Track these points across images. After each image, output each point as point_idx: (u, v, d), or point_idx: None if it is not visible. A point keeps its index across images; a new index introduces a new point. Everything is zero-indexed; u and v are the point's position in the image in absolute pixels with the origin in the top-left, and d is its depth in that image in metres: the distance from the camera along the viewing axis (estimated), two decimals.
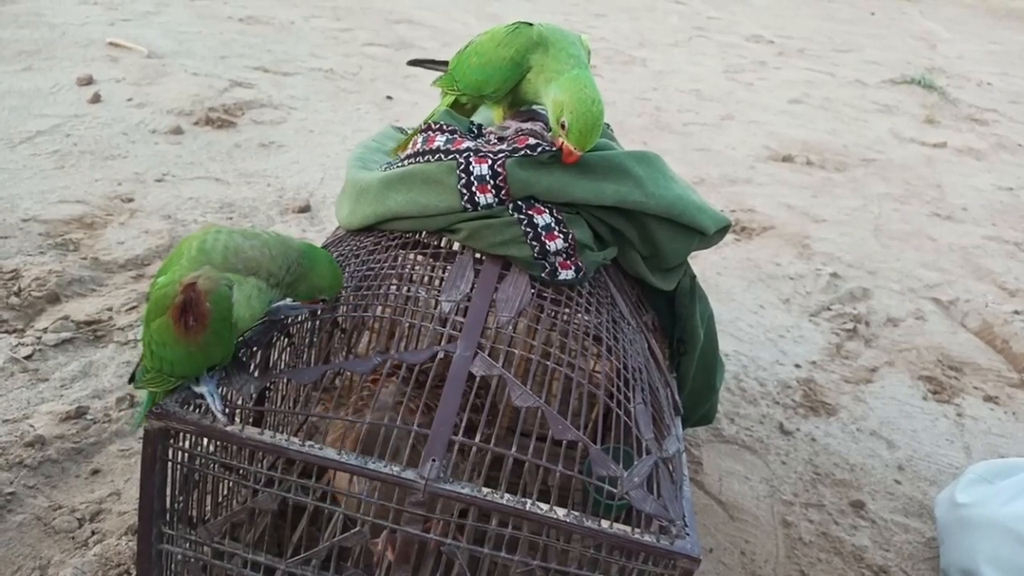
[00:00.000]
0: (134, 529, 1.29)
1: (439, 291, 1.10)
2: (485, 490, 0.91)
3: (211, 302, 0.89)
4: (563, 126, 1.06)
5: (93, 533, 1.30)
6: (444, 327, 1.03)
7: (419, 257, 1.19)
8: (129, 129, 2.87)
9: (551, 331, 1.09)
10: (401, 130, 1.58)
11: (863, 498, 1.70)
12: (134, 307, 1.89)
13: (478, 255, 1.13)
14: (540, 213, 1.09)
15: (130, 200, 2.39)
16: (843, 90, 4.89)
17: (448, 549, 0.94)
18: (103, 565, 1.24)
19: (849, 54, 5.83)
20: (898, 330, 2.39)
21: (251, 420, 1.16)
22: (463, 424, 0.94)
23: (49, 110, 2.92)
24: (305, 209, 2.52)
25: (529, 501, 0.91)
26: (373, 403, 1.05)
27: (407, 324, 1.06)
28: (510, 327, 1.04)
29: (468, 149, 1.11)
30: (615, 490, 0.92)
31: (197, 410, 0.97)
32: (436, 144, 1.14)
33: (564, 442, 0.94)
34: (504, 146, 1.13)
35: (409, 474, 0.91)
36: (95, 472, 1.42)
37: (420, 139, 1.18)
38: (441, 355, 1.01)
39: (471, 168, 1.08)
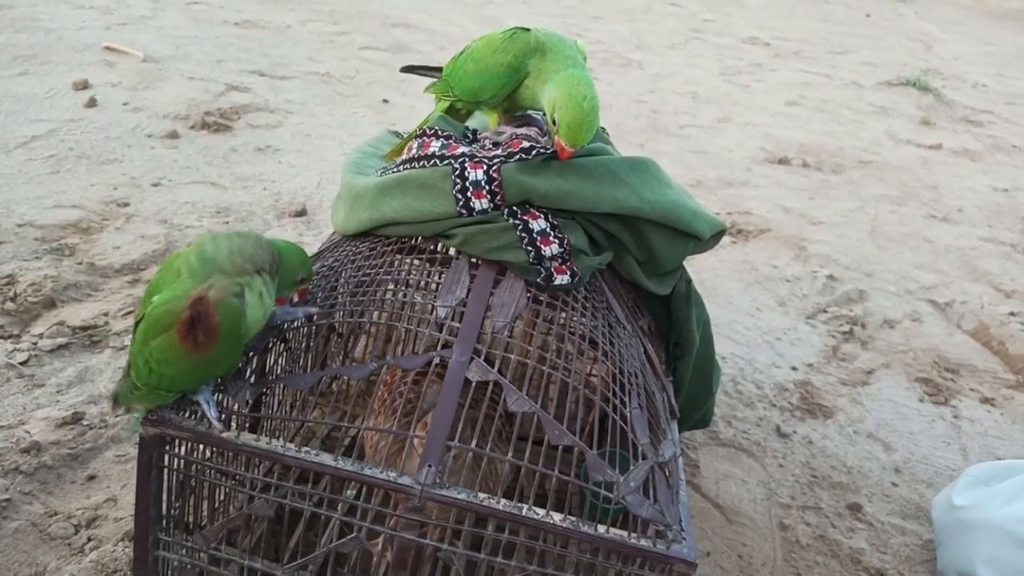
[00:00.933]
0: (130, 535, 1.29)
1: (435, 296, 1.10)
2: (481, 495, 0.91)
3: (221, 315, 0.89)
4: (554, 122, 1.06)
5: (89, 539, 1.30)
6: (440, 332, 1.03)
7: (415, 262, 1.19)
8: (125, 133, 2.87)
9: (547, 335, 1.09)
10: (397, 134, 1.58)
11: (860, 501, 1.70)
12: (130, 312, 1.89)
13: (474, 260, 1.13)
14: (535, 218, 1.09)
15: (126, 205, 2.39)
16: (839, 92, 4.90)
17: (445, 554, 0.94)
18: (99, 571, 1.23)
19: (845, 56, 5.84)
20: (895, 332, 2.39)
21: (247, 426, 1.16)
22: (459, 429, 0.94)
23: (45, 115, 2.92)
24: (301, 213, 2.52)
25: (525, 506, 0.91)
26: (420, 403, 1.04)
27: (403, 329, 1.06)
28: (506, 332, 1.04)
29: (463, 154, 1.11)
30: (612, 495, 0.92)
31: (193, 416, 0.97)
32: (431, 149, 1.14)
33: (561, 446, 0.95)
34: (499, 151, 1.13)
35: (405, 480, 0.91)
36: (91, 478, 1.42)
37: (415, 144, 1.18)
38: (437, 360, 1.01)
39: (466, 173, 1.08)
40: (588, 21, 6.02)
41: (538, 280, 1.11)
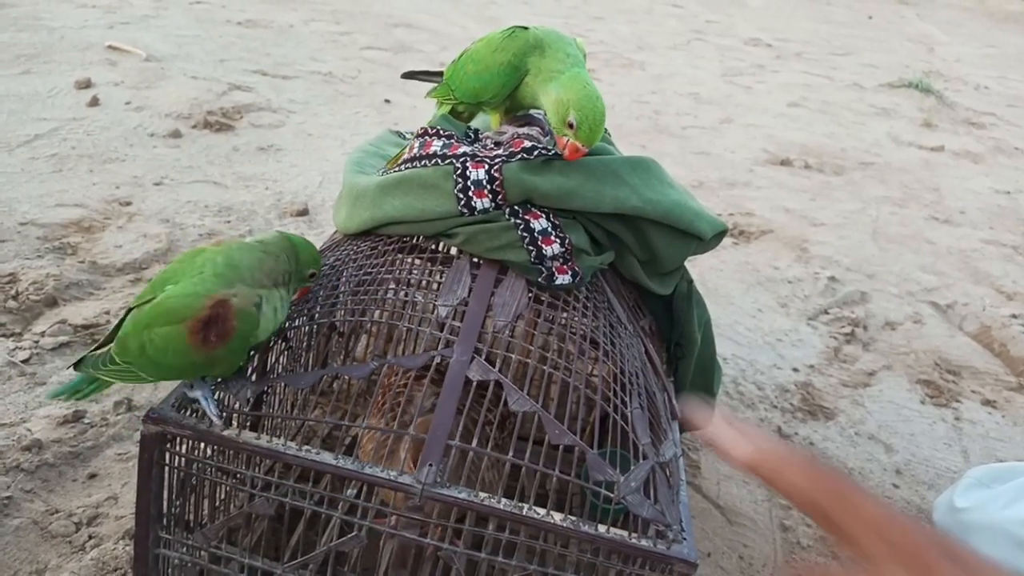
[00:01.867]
0: (131, 533, 1.29)
1: (436, 295, 1.10)
2: (482, 495, 0.91)
3: (239, 321, 0.91)
4: (571, 125, 1.06)
5: (90, 537, 1.30)
6: (441, 331, 1.03)
7: (416, 261, 1.19)
8: (127, 132, 2.88)
9: (548, 335, 1.09)
10: (399, 134, 1.58)
11: None
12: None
13: (475, 259, 1.13)
14: (536, 218, 1.09)
15: (128, 204, 2.39)
16: (841, 93, 4.90)
17: (445, 553, 0.94)
18: (100, 569, 1.23)
19: (847, 57, 5.84)
20: (896, 334, 2.39)
21: (248, 424, 1.16)
22: (460, 428, 0.94)
23: (47, 114, 2.92)
24: (303, 212, 2.52)
25: (526, 506, 0.91)
26: (419, 404, 1.04)
27: (404, 328, 1.06)
28: (507, 332, 1.04)
29: (465, 154, 1.11)
30: (612, 494, 0.92)
31: (194, 415, 0.97)
32: (433, 149, 1.14)
33: (561, 446, 0.95)
34: (501, 151, 1.13)
35: (406, 479, 0.91)
36: (92, 476, 1.42)
37: (417, 144, 1.18)
38: (438, 360, 1.01)
39: (468, 173, 1.08)
40: (590, 22, 6.02)
41: (539, 280, 1.11)
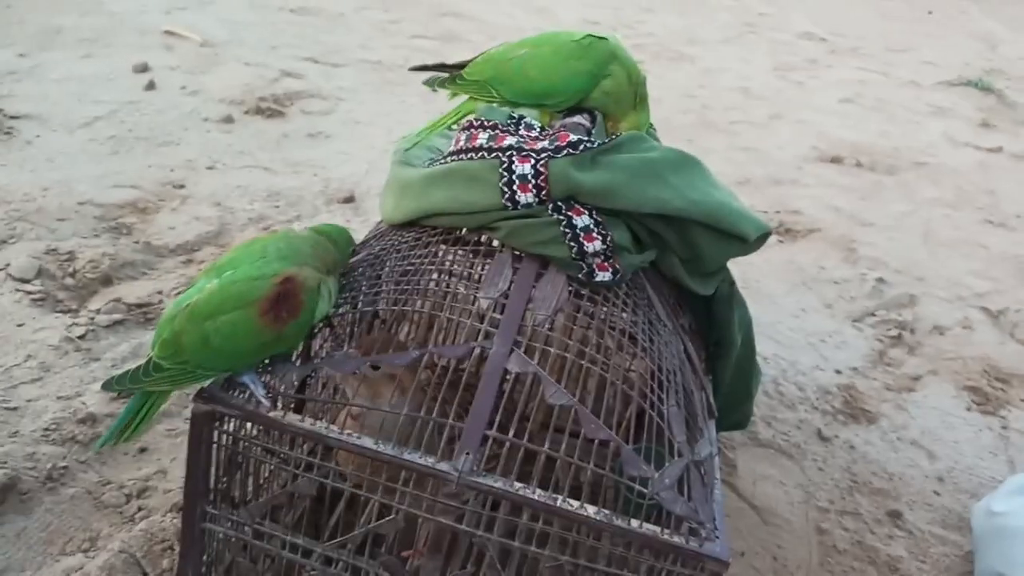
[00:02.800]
0: (178, 507, 1.34)
1: (477, 287, 1.11)
2: (517, 484, 0.93)
3: (306, 295, 0.96)
4: None
5: (140, 509, 1.35)
6: (481, 323, 1.05)
7: (459, 253, 1.21)
8: (182, 116, 2.95)
9: (587, 330, 1.10)
10: None
11: (900, 508, 1.68)
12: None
13: (517, 253, 1.14)
14: (579, 214, 1.10)
15: (181, 186, 2.46)
16: (896, 91, 4.78)
17: (479, 541, 0.96)
18: (148, 540, 1.28)
19: (904, 54, 5.69)
20: (944, 339, 2.34)
21: (292, 407, 1.19)
22: (497, 419, 0.96)
23: (106, 96, 3.00)
24: (350, 200, 2.56)
25: (560, 497, 0.92)
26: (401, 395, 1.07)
27: (445, 318, 1.08)
28: (546, 325, 1.05)
29: (511, 147, 1.12)
30: (646, 490, 0.93)
31: (242, 395, 1.00)
32: (479, 142, 1.16)
33: (597, 440, 0.96)
34: (546, 143, 1.14)
35: (443, 466, 0.93)
36: (142, 450, 1.48)
37: (463, 136, 1.20)
38: (478, 351, 1.03)
39: (513, 167, 1.10)
40: (640, 13, 5.97)
41: (580, 276, 1.12)
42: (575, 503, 0.92)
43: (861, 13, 6.97)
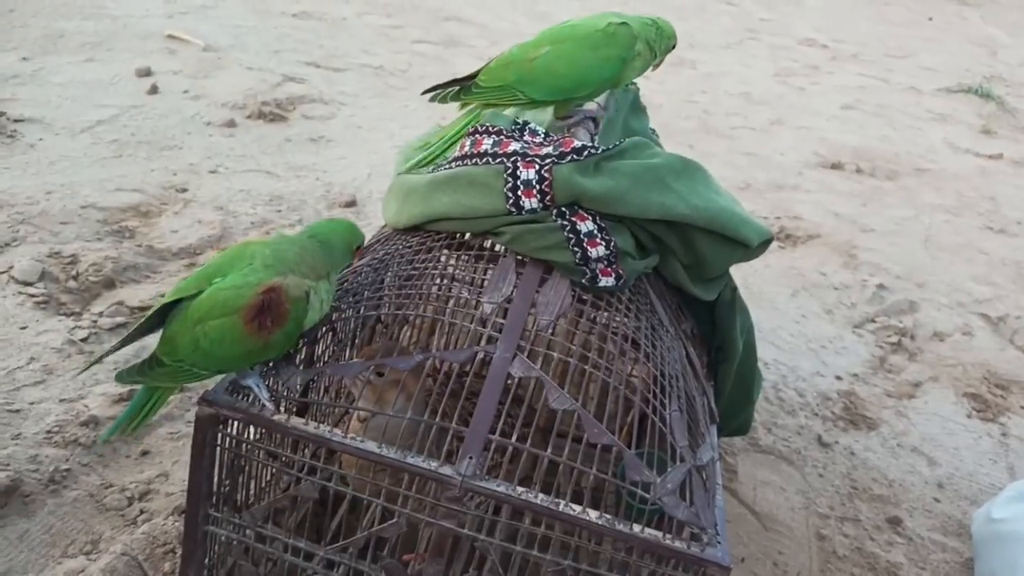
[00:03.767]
0: (180, 510, 1.34)
1: (481, 292, 1.12)
2: (519, 489, 0.93)
3: (292, 304, 0.95)
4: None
5: (142, 512, 1.35)
6: (484, 327, 1.05)
7: (463, 258, 1.21)
8: (185, 121, 2.95)
9: (589, 335, 1.11)
10: None
11: (900, 515, 1.68)
12: None
13: (520, 258, 1.15)
14: (583, 220, 1.11)
15: (184, 190, 2.46)
16: (897, 97, 4.79)
17: (481, 545, 0.96)
18: (150, 543, 1.29)
19: (904, 60, 5.70)
20: (944, 345, 2.35)
21: (294, 410, 1.20)
22: (500, 423, 0.96)
23: (109, 100, 3.01)
24: (351, 204, 2.56)
25: (562, 502, 0.93)
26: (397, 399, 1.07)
27: (448, 323, 1.08)
28: (549, 330, 1.06)
29: (515, 152, 1.13)
30: (648, 495, 0.93)
31: (245, 399, 1.00)
32: (484, 147, 1.16)
33: (599, 445, 0.96)
34: (550, 149, 1.14)
35: (446, 470, 0.93)
36: (144, 453, 1.48)
37: (468, 142, 1.20)
38: (481, 355, 1.03)
39: (518, 172, 1.10)
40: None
41: (583, 281, 1.12)
42: (577, 507, 0.92)
43: (862, 19, 6.99)
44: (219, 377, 1.02)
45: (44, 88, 2.99)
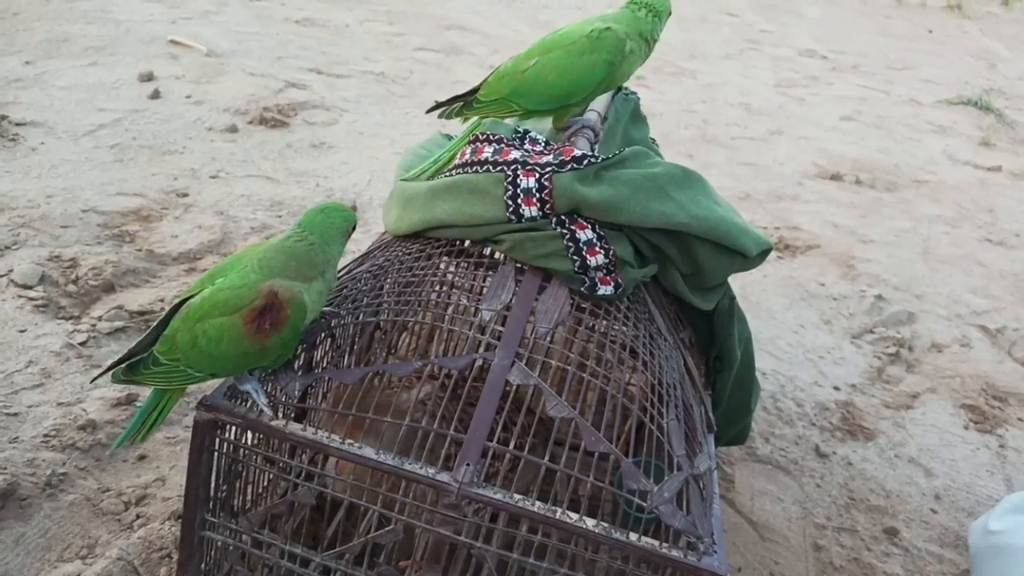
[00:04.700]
0: (177, 515, 1.34)
1: (480, 299, 1.12)
2: (516, 496, 0.93)
3: (292, 309, 0.95)
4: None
5: (138, 516, 1.35)
6: (483, 335, 1.06)
7: (462, 265, 1.22)
8: (186, 126, 2.96)
9: (587, 343, 1.11)
10: (449, 137, 1.61)
11: (897, 526, 1.68)
12: None
13: (520, 266, 1.15)
14: (583, 228, 1.11)
15: (185, 195, 2.47)
16: (896, 108, 4.81)
17: (478, 552, 0.96)
18: (147, 548, 1.29)
19: (904, 72, 5.73)
20: (942, 356, 2.35)
21: (292, 416, 1.20)
22: (498, 430, 0.96)
23: (111, 104, 3.02)
24: (352, 209, 2.57)
25: (559, 510, 0.93)
26: (398, 402, 1.07)
27: (447, 330, 1.09)
28: (547, 338, 1.06)
29: (516, 161, 1.13)
30: (645, 503, 0.93)
31: (243, 404, 1.01)
32: (484, 155, 1.17)
33: (596, 452, 0.96)
34: (551, 157, 1.15)
35: (443, 477, 0.93)
36: (142, 458, 1.48)
37: (468, 150, 1.21)
38: (479, 362, 1.04)
39: (518, 180, 1.11)
40: None
41: (582, 289, 1.13)
42: (574, 515, 0.93)
43: (862, 31, 7.02)
44: (216, 383, 1.02)
45: (47, 92, 3.00)
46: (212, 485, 1.04)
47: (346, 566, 1.03)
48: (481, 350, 1.05)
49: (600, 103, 1.42)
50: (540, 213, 1.11)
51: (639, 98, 1.61)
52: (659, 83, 4.55)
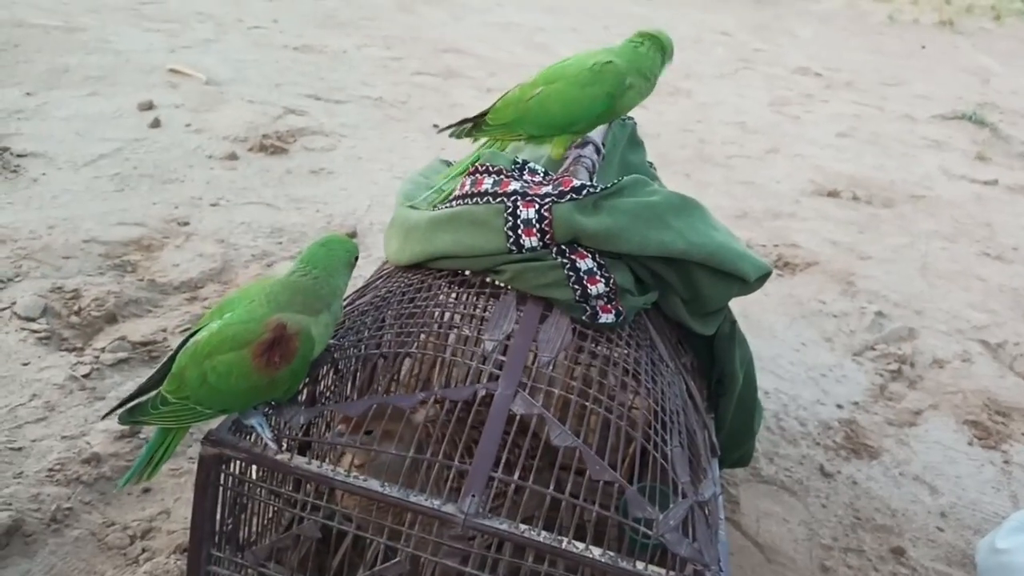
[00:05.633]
0: (182, 548, 1.34)
1: (482, 329, 1.13)
2: (522, 526, 0.93)
3: (300, 340, 0.96)
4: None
5: (144, 551, 1.35)
6: (486, 365, 1.06)
7: (464, 295, 1.22)
8: (187, 154, 2.98)
9: (589, 368, 1.12)
10: (448, 163, 1.62)
11: (904, 545, 1.68)
12: (188, 328, 1.96)
13: (521, 295, 1.16)
14: (583, 257, 1.12)
15: (186, 224, 2.48)
16: (891, 124, 4.84)
17: None
18: None
19: (898, 88, 5.77)
20: (944, 372, 2.35)
21: (296, 448, 1.20)
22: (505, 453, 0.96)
23: (112, 134, 3.04)
24: (352, 235, 2.58)
25: (565, 539, 0.93)
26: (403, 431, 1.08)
27: (450, 360, 1.09)
28: (550, 367, 1.06)
29: (515, 192, 1.14)
30: (651, 531, 0.93)
31: (248, 438, 1.01)
32: (484, 187, 1.18)
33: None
34: (550, 188, 1.16)
35: (449, 508, 0.93)
36: (146, 491, 1.48)
37: (468, 181, 1.22)
38: (482, 393, 1.04)
39: (518, 211, 1.12)
40: None
41: (583, 318, 1.13)
42: (580, 545, 0.93)
43: (855, 48, 7.08)
44: (222, 418, 1.02)
45: (47, 123, 3.02)
46: (217, 519, 1.04)
47: None
48: (484, 380, 1.05)
49: (598, 131, 1.44)
50: (540, 243, 1.12)
51: (636, 123, 1.63)
52: (655, 103, 4.58)
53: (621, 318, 1.14)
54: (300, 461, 0.98)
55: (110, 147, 2.93)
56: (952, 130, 4.84)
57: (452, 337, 1.21)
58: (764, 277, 1.28)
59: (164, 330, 1.94)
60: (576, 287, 1.11)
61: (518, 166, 1.23)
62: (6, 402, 1.62)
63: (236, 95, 3.63)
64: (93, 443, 1.54)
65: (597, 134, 1.43)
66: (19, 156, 2.71)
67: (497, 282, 1.19)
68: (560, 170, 1.29)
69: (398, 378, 1.53)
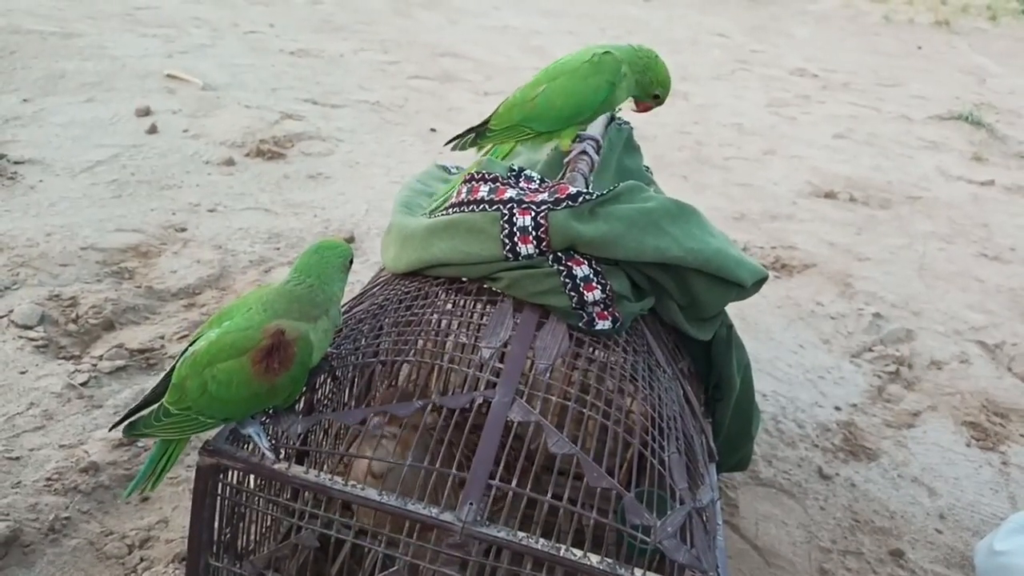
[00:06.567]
0: (181, 557, 1.34)
1: (478, 336, 1.13)
2: (520, 534, 0.93)
3: (298, 348, 0.97)
4: (656, 96, 1.38)
5: (142, 560, 1.35)
6: (483, 372, 1.06)
7: (460, 303, 1.22)
8: (184, 160, 2.98)
9: (586, 377, 1.12)
10: (445, 168, 1.63)
11: (903, 547, 1.68)
12: (186, 335, 1.96)
13: (518, 303, 1.16)
14: (579, 264, 1.12)
15: (183, 230, 2.48)
16: (888, 125, 4.85)
17: None
18: None
19: (895, 89, 5.78)
20: (942, 373, 2.35)
21: (294, 457, 1.20)
22: (500, 467, 0.96)
23: (108, 140, 3.04)
24: (350, 240, 2.58)
25: (563, 547, 0.93)
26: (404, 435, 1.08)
27: (447, 368, 1.09)
28: (547, 374, 1.06)
29: (511, 200, 1.15)
30: (648, 538, 0.93)
31: (246, 448, 1.01)
32: (480, 195, 1.18)
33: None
34: (546, 195, 1.16)
35: (447, 516, 0.94)
36: (145, 499, 1.48)
37: (464, 189, 1.22)
38: (480, 400, 1.04)
39: (514, 219, 1.12)
40: None
41: (580, 324, 1.14)
42: (578, 552, 0.93)
43: (852, 49, 7.09)
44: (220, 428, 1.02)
45: (44, 129, 3.02)
46: (215, 528, 1.04)
47: None
48: (481, 387, 1.05)
49: (598, 124, 1.46)
50: (537, 250, 1.12)
51: (632, 128, 1.63)
52: None
53: (618, 324, 1.14)
54: (298, 470, 0.98)
55: (107, 153, 2.93)
56: (949, 130, 4.85)
57: (449, 344, 1.21)
58: (760, 282, 1.29)
59: (162, 337, 1.94)
60: (573, 294, 1.11)
61: (514, 174, 1.23)
62: (3, 411, 1.62)
63: (233, 100, 3.63)
64: (91, 452, 1.54)
65: (597, 128, 1.45)
66: (16, 163, 2.71)
67: (494, 289, 1.20)
68: (565, 160, 1.34)
69: (394, 384, 1.53)
